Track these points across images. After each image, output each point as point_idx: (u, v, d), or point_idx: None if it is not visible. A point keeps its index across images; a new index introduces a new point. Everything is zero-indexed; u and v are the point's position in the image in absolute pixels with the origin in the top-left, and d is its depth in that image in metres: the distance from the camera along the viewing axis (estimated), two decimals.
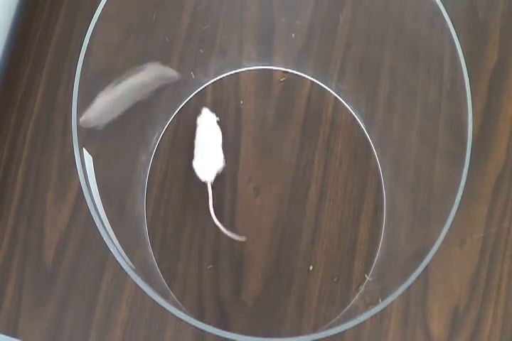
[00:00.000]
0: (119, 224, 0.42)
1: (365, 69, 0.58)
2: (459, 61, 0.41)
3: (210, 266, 0.55)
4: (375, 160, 0.58)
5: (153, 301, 0.36)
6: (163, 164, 0.57)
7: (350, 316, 0.48)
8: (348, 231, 0.56)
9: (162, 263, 0.55)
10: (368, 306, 0.44)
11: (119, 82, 0.45)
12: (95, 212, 0.38)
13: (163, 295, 0.41)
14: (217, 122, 0.56)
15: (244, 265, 0.55)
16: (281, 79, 0.59)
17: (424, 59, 0.48)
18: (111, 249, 0.37)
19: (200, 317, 0.53)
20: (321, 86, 0.59)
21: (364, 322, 0.37)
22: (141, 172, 0.56)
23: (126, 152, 0.53)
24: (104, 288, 0.54)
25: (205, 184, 0.55)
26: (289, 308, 0.54)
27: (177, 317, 0.36)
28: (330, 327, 0.37)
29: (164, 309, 0.36)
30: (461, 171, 0.39)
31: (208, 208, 0.56)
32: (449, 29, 0.41)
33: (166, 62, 0.57)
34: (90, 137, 0.42)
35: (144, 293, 0.36)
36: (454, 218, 0.39)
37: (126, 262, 0.37)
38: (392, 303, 0.42)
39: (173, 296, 0.53)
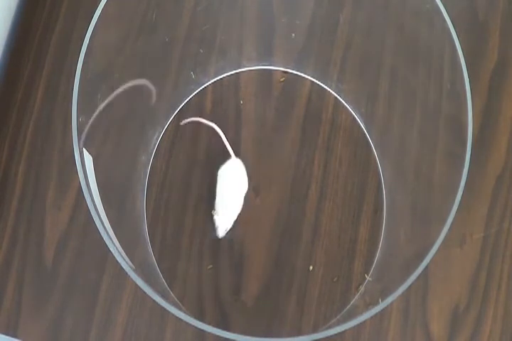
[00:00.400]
0: (119, 224, 0.42)
1: (365, 69, 0.58)
2: (459, 61, 0.41)
3: (210, 266, 0.55)
4: (375, 160, 0.58)
5: (153, 301, 0.36)
6: (163, 164, 0.57)
7: (350, 316, 0.48)
8: (348, 231, 0.56)
9: (162, 263, 0.55)
10: (368, 306, 0.44)
11: None
12: (95, 212, 0.38)
13: (163, 295, 0.41)
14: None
15: (244, 265, 0.55)
16: (281, 79, 0.59)
17: (424, 59, 0.48)
18: (111, 249, 0.37)
19: (200, 317, 0.53)
20: (321, 86, 0.59)
21: (364, 322, 0.37)
22: (141, 172, 0.56)
23: (126, 152, 0.53)
24: (104, 288, 0.54)
25: (204, 184, 0.56)
26: (289, 308, 0.54)
27: (177, 317, 0.36)
28: (330, 327, 0.37)
29: (164, 309, 0.36)
30: (461, 171, 0.39)
31: (209, 209, 0.56)
32: (449, 29, 0.41)
33: (165, 62, 0.57)
34: (90, 137, 0.42)
35: (144, 293, 0.36)
36: (454, 218, 0.39)
37: (126, 262, 0.37)
38: (392, 303, 0.42)
39: (173, 296, 0.53)
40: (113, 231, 0.40)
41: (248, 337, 0.35)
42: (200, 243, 0.55)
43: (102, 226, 0.38)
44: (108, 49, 0.45)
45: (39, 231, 0.55)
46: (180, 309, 0.36)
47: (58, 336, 0.53)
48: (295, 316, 0.54)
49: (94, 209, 0.38)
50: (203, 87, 0.59)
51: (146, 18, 0.49)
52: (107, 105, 0.45)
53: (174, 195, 0.56)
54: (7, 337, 0.53)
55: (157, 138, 0.57)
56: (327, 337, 0.36)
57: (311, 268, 0.55)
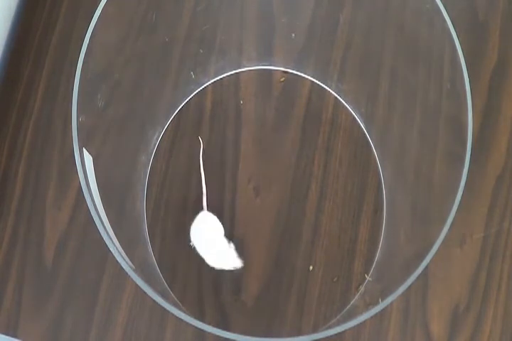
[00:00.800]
0: (119, 224, 0.42)
1: (365, 69, 0.58)
2: (459, 61, 0.41)
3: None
4: (375, 160, 0.58)
5: (153, 301, 0.36)
6: (163, 164, 0.57)
7: (350, 316, 0.48)
8: (348, 231, 0.56)
9: (162, 263, 0.55)
10: (368, 306, 0.44)
11: None
12: (95, 212, 0.38)
13: (163, 295, 0.41)
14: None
15: (244, 265, 0.55)
16: (281, 79, 0.59)
17: (424, 59, 0.48)
18: (111, 249, 0.37)
19: (200, 317, 0.53)
20: (321, 86, 0.59)
21: (364, 322, 0.37)
22: (141, 172, 0.56)
23: (126, 152, 0.53)
24: (104, 288, 0.54)
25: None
26: (289, 308, 0.54)
27: (177, 317, 0.36)
28: (330, 327, 0.37)
29: (164, 309, 0.36)
30: (461, 171, 0.39)
31: (208, 209, 0.56)
32: (449, 29, 0.41)
33: (165, 62, 0.57)
34: (90, 137, 0.42)
35: (144, 293, 0.36)
36: (454, 218, 0.39)
37: (126, 262, 0.37)
38: (392, 303, 0.43)
39: (173, 296, 0.53)
40: (113, 231, 0.40)
41: (248, 337, 0.35)
42: None
43: (102, 226, 0.38)
44: (108, 49, 0.45)
45: (39, 231, 0.55)
46: (180, 309, 0.36)
47: (58, 336, 0.53)
48: (295, 316, 0.54)
49: (94, 209, 0.38)
50: (203, 87, 0.59)
51: (146, 18, 0.49)
52: (107, 105, 0.45)
53: (174, 195, 0.56)
54: (7, 337, 0.53)
55: (157, 138, 0.57)
56: (327, 337, 0.36)
57: (311, 268, 0.55)
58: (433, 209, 0.45)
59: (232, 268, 0.53)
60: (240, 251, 0.55)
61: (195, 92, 0.59)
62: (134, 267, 0.38)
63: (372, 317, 0.37)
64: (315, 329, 0.53)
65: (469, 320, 0.54)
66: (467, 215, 0.56)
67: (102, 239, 0.37)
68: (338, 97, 0.59)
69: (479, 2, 0.61)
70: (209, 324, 0.35)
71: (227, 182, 0.57)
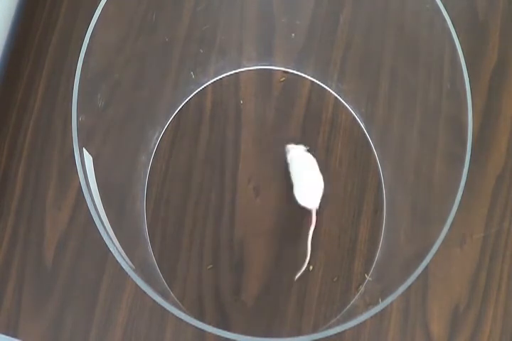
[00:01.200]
0: (119, 224, 0.42)
1: (365, 69, 0.58)
2: (459, 61, 0.41)
3: (210, 266, 0.55)
4: (375, 160, 0.58)
5: (153, 301, 0.36)
6: (163, 164, 0.57)
7: (350, 316, 0.48)
8: (348, 231, 0.56)
9: (162, 263, 0.55)
10: (368, 306, 0.44)
11: None
12: (95, 212, 0.38)
13: (163, 295, 0.41)
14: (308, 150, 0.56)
15: (245, 265, 0.55)
16: (281, 79, 0.59)
17: (424, 59, 0.48)
18: (111, 249, 0.37)
19: (200, 317, 0.53)
20: (321, 86, 0.59)
21: (364, 322, 0.37)
22: (141, 172, 0.56)
23: (126, 152, 0.53)
24: (104, 288, 0.54)
25: (204, 184, 0.56)
26: (289, 308, 0.54)
27: (177, 317, 0.36)
28: (330, 327, 0.37)
29: (164, 309, 0.36)
30: (461, 171, 0.39)
31: (208, 208, 0.56)
32: (449, 29, 0.41)
33: (165, 62, 0.57)
34: (90, 137, 0.42)
35: (144, 293, 0.36)
36: (454, 218, 0.39)
37: (126, 262, 0.37)
38: (392, 303, 0.42)
39: (173, 296, 0.53)
40: (113, 231, 0.40)
41: (248, 337, 0.35)
42: (200, 243, 0.55)
43: (102, 226, 0.38)
44: (108, 49, 0.45)
45: (39, 231, 0.55)
46: (180, 309, 0.36)
47: (58, 336, 0.53)
48: (295, 316, 0.54)
49: (94, 209, 0.38)
50: (203, 87, 0.59)
51: (146, 18, 0.49)
52: (107, 105, 0.45)
53: (174, 195, 0.56)
54: (7, 337, 0.53)
55: (157, 138, 0.57)
56: (327, 337, 0.36)
57: (311, 268, 0.55)
58: (433, 209, 0.45)
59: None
60: (240, 251, 0.55)
61: (195, 92, 0.59)
62: (134, 267, 0.38)
63: (372, 317, 0.37)
64: (315, 329, 0.53)
65: (469, 320, 0.54)
66: (467, 215, 0.56)
67: (102, 239, 0.37)
68: (338, 97, 0.59)
69: (479, 2, 0.61)
70: (209, 324, 0.35)
71: (227, 182, 0.57)
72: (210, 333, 0.35)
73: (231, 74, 0.59)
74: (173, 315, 0.36)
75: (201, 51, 0.58)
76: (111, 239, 0.38)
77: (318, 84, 0.59)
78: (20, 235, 0.55)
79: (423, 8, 0.43)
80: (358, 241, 0.56)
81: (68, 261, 0.54)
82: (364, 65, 0.58)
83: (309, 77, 0.59)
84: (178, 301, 0.53)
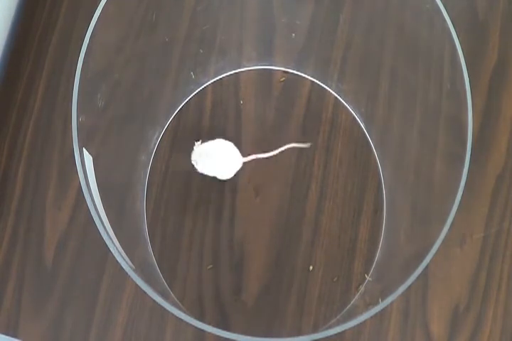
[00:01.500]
0: (119, 224, 0.42)
1: (365, 69, 0.58)
2: (459, 61, 0.41)
3: (210, 266, 0.55)
4: (375, 160, 0.58)
5: (153, 301, 0.36)
6: (163, 164, 0.57)
7: (350, 316, 0.48)
8: (348, 231, 0.56)
9: (162, 263, 0.55)
10: (368, 306, 0.44)
11: None
12: (95, 212, 0.38)
13: (163, 295, 0.41)
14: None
15: (244, 265, 0.55)
16: (281, 79, 0.59)
17: (424, 59, 0.48)
18: (111, 249, 0.37)
19: (200, 317, 0.53)
20: (321, 86, 0.59)
21: (364, 322, 0.37)
22: (141, 172, 0.56)
23: (126, 152, 0.53)
24: (104, 288, 0.54)
25: (204, 184, 0.56)
26: (289, 308, 0.54)
27: (177, 317, 0.36)
28: (330, 327, 0.37)
29: (164, 309, 0.36)
30: (461, 171, 0.39)
31: (208, 208, 0.56)
32: (449, 29, 0.41)
33: (165, 62, 0.57)
34: (90, 137, 0.42)
35: (144, 293, 0.36)
36: (454, 218, 0.39)
37: (126, 262, 0.37)
38: (392, 303, 0.42)
39: (173, 296, 0.53)
40: (113, 231, 0.40)
41: (248, 337, 0.35)
42: (200, 243, 0.55)
43: (102, 226, 0.38)
44: (108, 49, 0.45)
45: (39, 231, 0.55)
46: (180, 309, 0.36)
47: (58, 336, 0.53)
48: (295, 316, 0.54)
49: (94, 209, 0.38)
50: (203, 86, 0.59)
51: (146, 18, 0.49)
52: (107, 105, 0.45)
53: (174, 195, 0.56)
54: (7, 337, 0.53)
55: (157, 138, 0.57)
56: (327, 337, 0.36)
57: (311, 268, 0.55)
58: (433, 209, 0.45)
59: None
60: (240, 251, 0.55)
61: (195, 92, 0.59)
62: (134, 267, 0.38)
63: (372, 317, 0.37)
64: (315, 329, 0.53)
65: (469, 320, 0.54)
66: (467, 215, 0.56)
67: (102, 239, 0.37)
68: (338, 97, 0.59)
69: (479, 2, 0.61)
70: (209, 324, 0.35)
71: (227, 182, 0.57)
72: (210, 333, 0.35)
73: (231, 74, 0.59)
74: (173, 315, 0.36)
75: (201, 51, 0.58)
76: (111, 239, 0.38)
77: (318, 84, 0.59)
78: (20, 235, 0.55)
79: (423, 8, 0.43)
80: (358, 241, 0.56)
81: (68, 261, 0.54)
82: (364, 65, 0.58)
83: (309, 77, 0.59)
84: (178, 301, 0.53)
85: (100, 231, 0.37)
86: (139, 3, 0.48)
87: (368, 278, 0.54)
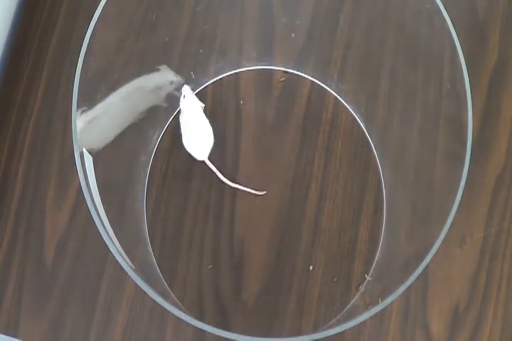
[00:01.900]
0: (119, 224, 0.42)
1: (365, 69, 0.58)
2: (459, 61, 0.41)
3: (210, 266, 0.55)
4: (375, 160, 0.58)
5: (153, 301, 0.36)
6: (163, 164, 0.57)
7: (350, 316, 0.48)
8: (348, 231, 0.56)
9: (162, 263, 0.55)
10: (367, 306, 0.44)
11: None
12: (95, 212, 0.38)
13: (163, 295, 0.41)
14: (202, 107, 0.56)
15: (244, 265, 0.55)
16: (281, 79, 0.59)
17: (424, 59, 0.48)
18: (111, 249, 0.37)
19: (200, 317, 0.53)
20: (321, 86, 0.59)
21: (364, 322, 0.37)
22: (141, 172, 0.56)
23: (126, 152, 0.53)
24: (104, 288, 0.54)
25: (204, 184, 0.56)
26: (289, 308, 0.54)
27: (177, 317, 0.36)
28: (330, 327, 0.37)
29: (164, 309, 0.36)
30: (461, 171, 0.39)
31: (208, 208, 0.56)
32: (449, 29, 0.41)
33: (165, 62, 0.57)
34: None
35: (144, 293, 0.36)
36: (454, 218, 0.39)
37: (126, 262, 0.37)
38: (392, 303, 0.42)
39: (173, 296, 0.53)
40: (113, 231, 0.40)
41: (248, 337, 0.35)
42: (200, 243, 0.55)
43: (102, 226, 0.38)
44: (108, 49, 0.45)
45: (39, 231, 0.55)
46: (180, 309, 0.36)
47: (58, 336, 0.53)
48: (295, 316, 0.54)
49: (94, 209, 0.38)
50: (203, 86, 0.59)
51: (146, 18, 0.49)
52: (107, 105, 0.45)
53: (174, 195, 0.56)
54: (7, 337, 0.53)
55: (157, 138, 0.57)
56: (327, 337, 0.36)
57: (311, 268, 0.55)
58: (433, 209, 0.45)
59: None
60: (240, 251, 0.55)
61: (195, 92, 0.59)
62: (134, 267, 0.38)
63: (372, 317, 0.37)
64: (315, 329, 0.53)
65: (469, 320, 0.54)
66: (467, 215, 0.56)
67: (102, 239, 0.37)
68: (338, 97, 0.59)
69: (479, 2, 0.61)
70: (209, 324, 0.35)
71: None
72: (210, 333, 0.35)
73: (231, 74, 0.59)
74: (173, 315, 0.36)
75: (201, 51, 0.58)
76: (111, 239, 0.38)
77: (318, 84, 0.59)
78: (20, 235, 0.55)
79: (423, 8, 0.43)
80: (358, 241, 0.56)
81: (68, 261, 0.54)
82: (364, 65, 0.58)
83: (309, 77, 0.59)
84: (178, 301, 0.53)
85: (100, 231, 0.37)
86: (139, 3, 0.48)
87: (367, 278, 0.54)
